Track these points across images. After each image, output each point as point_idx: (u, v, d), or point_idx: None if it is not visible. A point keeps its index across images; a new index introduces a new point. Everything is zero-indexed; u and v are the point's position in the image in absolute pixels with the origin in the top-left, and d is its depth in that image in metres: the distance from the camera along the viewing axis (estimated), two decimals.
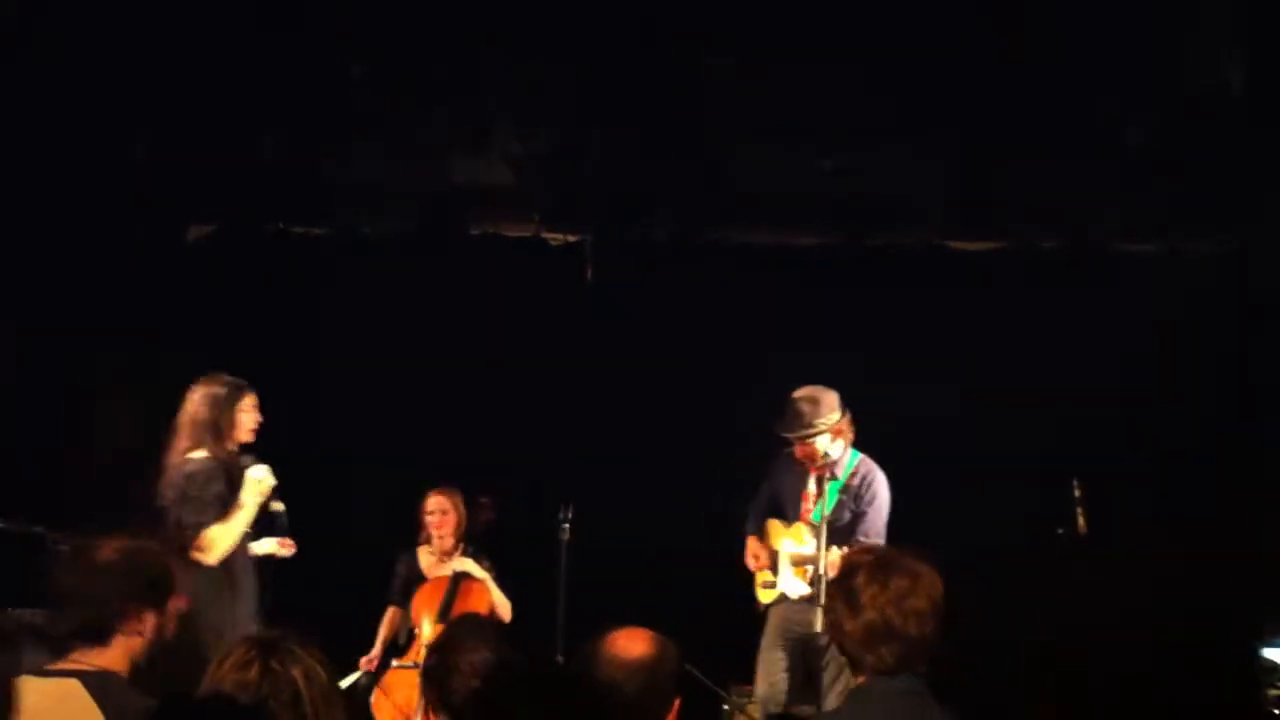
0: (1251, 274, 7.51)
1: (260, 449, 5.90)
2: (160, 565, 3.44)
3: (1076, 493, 6.46)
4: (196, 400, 5.80)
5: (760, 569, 6.68)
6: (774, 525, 6.71)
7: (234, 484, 5.74)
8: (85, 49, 6.98)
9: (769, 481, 6.79)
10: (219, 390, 5.81)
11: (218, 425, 5.76)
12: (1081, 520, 6.43)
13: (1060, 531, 6.48)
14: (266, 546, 6.06)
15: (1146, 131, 7.30)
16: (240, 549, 5.77)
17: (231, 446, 5.81)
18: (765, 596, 6.72)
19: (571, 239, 8.09)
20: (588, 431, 7.79)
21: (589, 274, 8.05)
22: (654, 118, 7.39)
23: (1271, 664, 6.38)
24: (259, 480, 5.77)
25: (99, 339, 7.62)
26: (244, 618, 5.65)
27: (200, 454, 5.72)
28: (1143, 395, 7.43)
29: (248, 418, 5.85)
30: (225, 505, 5.68)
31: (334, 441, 7.82)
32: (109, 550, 3.34)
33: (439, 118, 7.55)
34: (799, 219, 7.91)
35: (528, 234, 8.10)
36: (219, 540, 5.62)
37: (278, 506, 5.92)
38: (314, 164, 7.72)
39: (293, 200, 7.89)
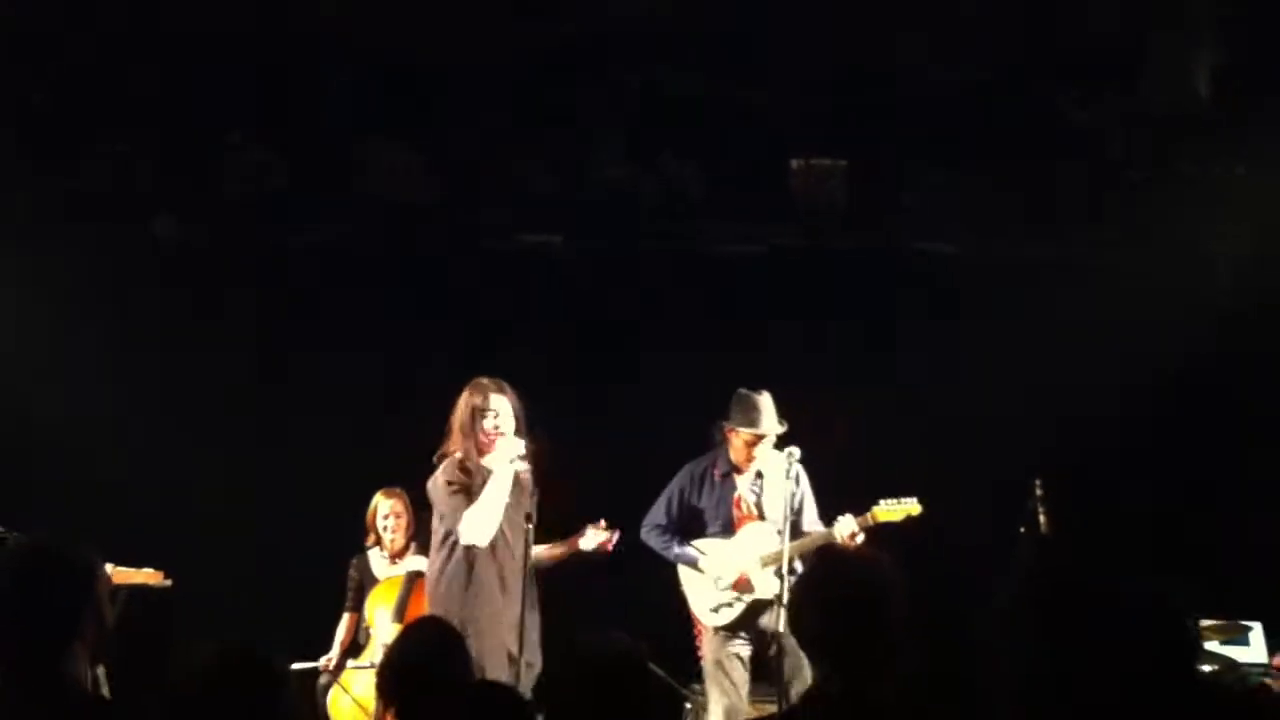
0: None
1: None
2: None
3: (1039, 492, 6.43)
4: (458, 404, 5.90)
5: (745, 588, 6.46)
6: (712, 544, 6.55)
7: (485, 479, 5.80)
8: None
9: (681, 498, 6.63)
10: (470, 394, 5.88)
11: (465, 428, 5.83)
12: (1044, 520, 6.40)
13: (1022, 530, 6.45)
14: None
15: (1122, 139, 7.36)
16: (503, 543, 5.78)
17: (475, 448, 5.84)
18: (719, 619, 6.51)
19: (546, 242, 8.07)
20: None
21: (563, 279, 8.04)
22: (635, 120, 7.40)
23: (1230, 661, 6.45)
24: (507, 447, 5.79)
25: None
26: (503, 614, 5.68)
27: (457, 455, 5.82)
28: (1112, 395, 7.50)
29: (486, 420, 5.85)
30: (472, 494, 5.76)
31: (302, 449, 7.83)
32: None
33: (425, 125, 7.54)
34: (773, 220, 7.90)
35: (504, 239, 8.07)
36: (475, 520, 5.71)
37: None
38: (303, 171, 7.69)
39: (277, 209, 7.83)
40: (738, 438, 6.47)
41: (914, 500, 6.34)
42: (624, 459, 7.46)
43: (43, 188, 7.51)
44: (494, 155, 7.62)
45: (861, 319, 7.89)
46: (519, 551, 5.77)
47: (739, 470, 6.54)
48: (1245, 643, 6.79)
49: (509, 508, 5.78)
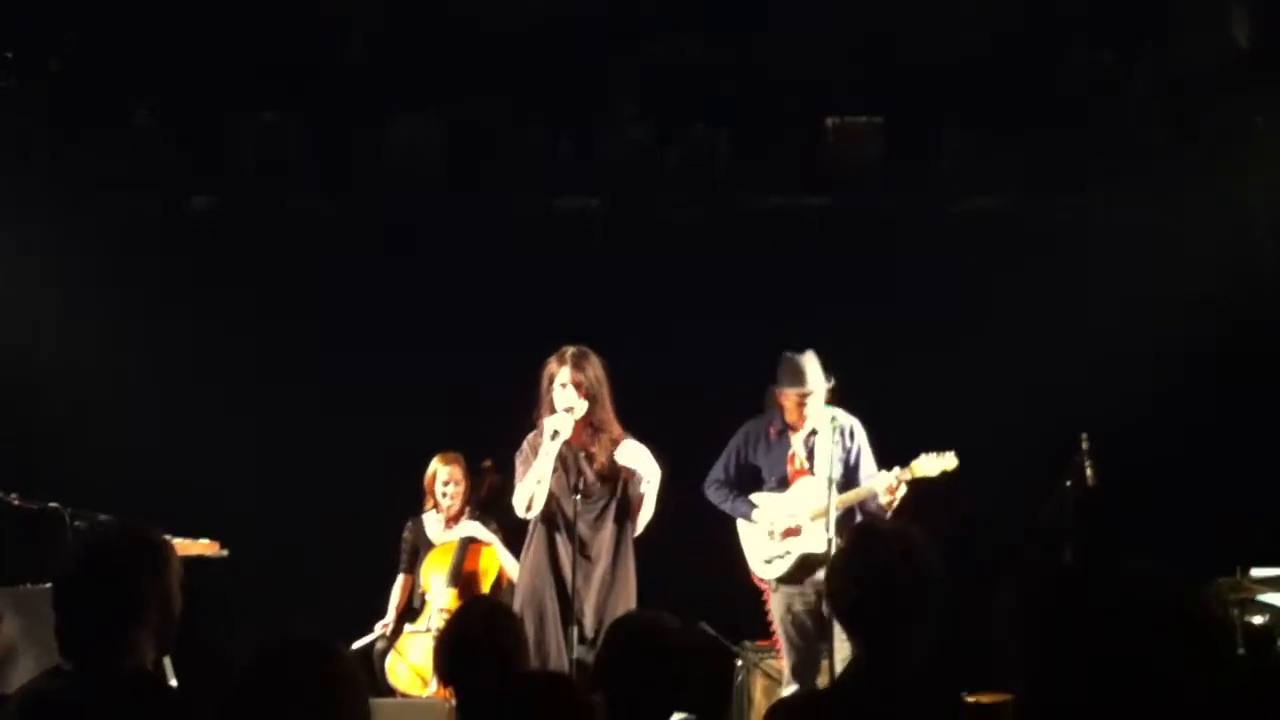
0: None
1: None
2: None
3: (1084, 445, 6.43)
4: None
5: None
6: (766, 497, 6.66)
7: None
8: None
9: (737, 456, 6.77)
10: (548, 363, 5.91)
11: (542, 396, 5.89)
12: (1090, 473, 6.41)
13: (1068, 484, 6.45)
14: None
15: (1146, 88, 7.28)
16: (559, 516, 5.83)
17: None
18: (772, 571, 6.61)
19: (581, 207, 8.06)
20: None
21: (598, 243, 8.03)
22: (661, 89, 7.37)
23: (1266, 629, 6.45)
24: (550, 421, 5.80)
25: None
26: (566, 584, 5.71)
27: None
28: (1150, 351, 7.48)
29: (555, 392, 5.87)
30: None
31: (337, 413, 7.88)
32: None
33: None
34: (806, 180, 7.86)
35: (536, 203, 8.06)
36: (520, 494, 5.82)
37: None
38: (325, 138, 7.69)
39: (301, 175, 7.85)
40: (787, 399, 6.61)
41: (951, 455, 6.39)
42: (659, 428, 7.53)
43: (65, 160, 7.53)
44: (515, 123, 7.57)
45: (899, 279, 7.85)
46: (568, 522, 5.82)
47: (793, 429, 6.66)
48: None
49: (559, 479, 5.84)
